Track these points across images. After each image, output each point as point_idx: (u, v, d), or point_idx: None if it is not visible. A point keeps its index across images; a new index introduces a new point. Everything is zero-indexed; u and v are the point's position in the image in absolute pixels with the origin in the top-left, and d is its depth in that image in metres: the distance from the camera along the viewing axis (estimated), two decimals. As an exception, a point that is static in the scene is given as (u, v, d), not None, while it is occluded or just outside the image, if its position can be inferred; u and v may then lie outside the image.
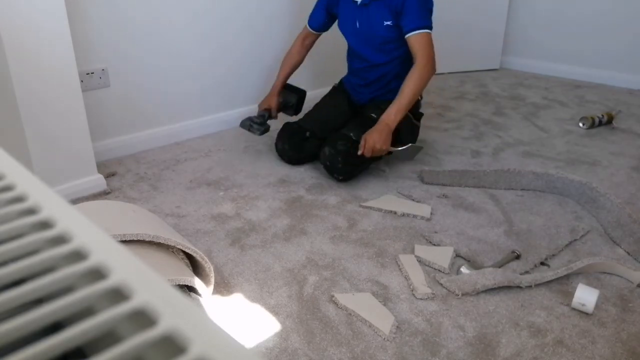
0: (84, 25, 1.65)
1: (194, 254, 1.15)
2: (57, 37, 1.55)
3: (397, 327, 1.16)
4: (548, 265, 1.40)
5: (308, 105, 2.19)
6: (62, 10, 1.54)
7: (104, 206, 1.21)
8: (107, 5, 1.90)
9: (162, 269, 1.05)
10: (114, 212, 1.17)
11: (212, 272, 1.19)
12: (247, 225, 1.58)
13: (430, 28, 1.81)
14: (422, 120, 2.57)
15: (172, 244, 1.11)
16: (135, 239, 1.05)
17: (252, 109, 2.46)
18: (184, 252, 1.19)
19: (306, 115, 2.12)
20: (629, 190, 1.83)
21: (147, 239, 1.06)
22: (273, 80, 2.17)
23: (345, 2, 1.96)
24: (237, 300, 1.25)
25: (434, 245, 1.48)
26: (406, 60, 1.88)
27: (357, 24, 1.92)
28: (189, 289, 1.15)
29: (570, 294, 1.27)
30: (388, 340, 1.12)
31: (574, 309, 1.22)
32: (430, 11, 1.84)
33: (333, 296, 1.25)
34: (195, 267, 1.21)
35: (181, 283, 1.08)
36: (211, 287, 1.22)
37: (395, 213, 1.66)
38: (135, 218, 1.15)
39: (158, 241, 1.08)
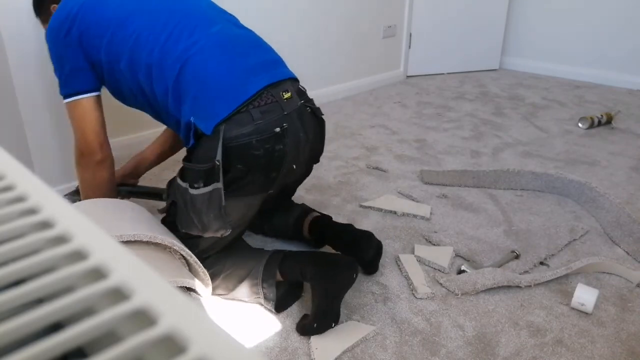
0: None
1: (188, 257, 1.14)
2: (56, 37, 1.55)
3: (397, 326, 1.16)
4: (547, 265, 1.40)
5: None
6: (62, 10, 1.54)
7: (102, 205, 1.20)
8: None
9: (161, 269, 1.05)
10: (112, 211, 1.17)
11: (207, 275, 1.18)
12: (247, 225, 1.58)
13: (72, 94, 1.23)
14: (422, 120, 2.58)
15: (169, 244, 1.10)
16: (132, 239, 1.04)
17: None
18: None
19: None
20: (628, 190, 1.83)
21: (144, 239, 1.06)
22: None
23: None
24: (237, 299, 1.25)
25: (434, 245, 1.49)
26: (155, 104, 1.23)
27: None
28: (188, 289, 1.15)
29: (569, 294, 1.27)
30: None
31: (573, 308, 1.23)
32: (68, 69, 1.22)
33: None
34: (191, 269, 1.21)
35: (181, 285, 1.07)
36: (210, 288, 1.21)
37: (395, 213, 1.66)
38: (133, 217, 1.14)
39: (155, 241, 1.08)
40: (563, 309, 1.23)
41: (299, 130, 1.16)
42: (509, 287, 1.29)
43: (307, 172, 1.38)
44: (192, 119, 1.10)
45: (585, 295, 1.20)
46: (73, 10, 1.19)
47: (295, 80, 1.23)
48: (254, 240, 1.48)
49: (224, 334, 0.23)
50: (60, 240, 0.29)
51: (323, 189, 1.83)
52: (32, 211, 0.31)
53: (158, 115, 1.27)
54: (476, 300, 1.25)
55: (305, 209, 1.44)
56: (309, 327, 1.12)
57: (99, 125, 1.29)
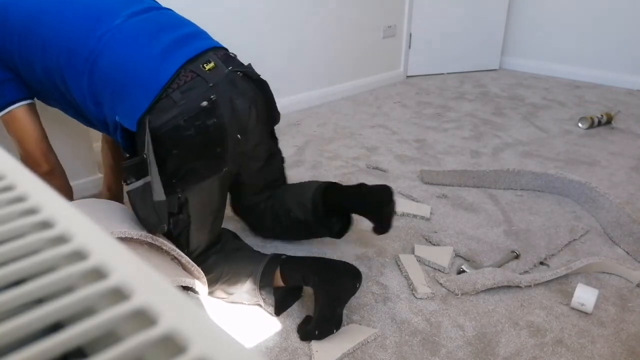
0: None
1: (180, 258, 1.13)
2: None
3: (397, 326, 1.16)
4: (547, 265, 1.40)
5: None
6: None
7: (92, 205, 1.19)
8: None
9: (158, 269, 1.05)
10: (99, 210, 1.15)
11: (202, 272, 1.16)
12: (247, 225, 1.58)
13: (3, 107, 1.20)
14: (422, 120, 2.58)
15: (159, 245, 1.10)
16: (122, 236, 1.03)
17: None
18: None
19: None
20: (628, 190, 1.83)
21: (135, 237, 1.05)
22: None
23: None
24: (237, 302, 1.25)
25: (434, 245, 1.49)
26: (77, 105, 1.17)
27: None
28: (185, 288, 1.14)
29: (569, 294, 1.27)
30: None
31: (573, 308, 1.23)
32: None
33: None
34: (184, 268, 1.20)
35: (180, 284, 1.07)
36: (206, 286, 1.21)
37: (395, 213, 1.66)
38: (122, 218, 1.13)
39: (146, 240, 1.07)
40: (563, 309, 1.23)
41: (233, 98, 1.10)
42: (509, 287, 1.29)
43: (269, 141, 1.29)
44: (117, 118, 1.06)
45: (585, 295, 1.20)
46: None
47: (219, 48, 1.15)
48: (254, 241, 1.49)
49: (224, 334, 0.23)
50: (60, 240, 0.29)
51: (323, 189, 1.82)
52: (32, 211, 0.31)
53: (88, 122, 1.22)
54: (476, 300, 1.25)
55: (318, 186, 1.33)
56: (310, 333, 1.11)
57: (37, 134, 1.24)
